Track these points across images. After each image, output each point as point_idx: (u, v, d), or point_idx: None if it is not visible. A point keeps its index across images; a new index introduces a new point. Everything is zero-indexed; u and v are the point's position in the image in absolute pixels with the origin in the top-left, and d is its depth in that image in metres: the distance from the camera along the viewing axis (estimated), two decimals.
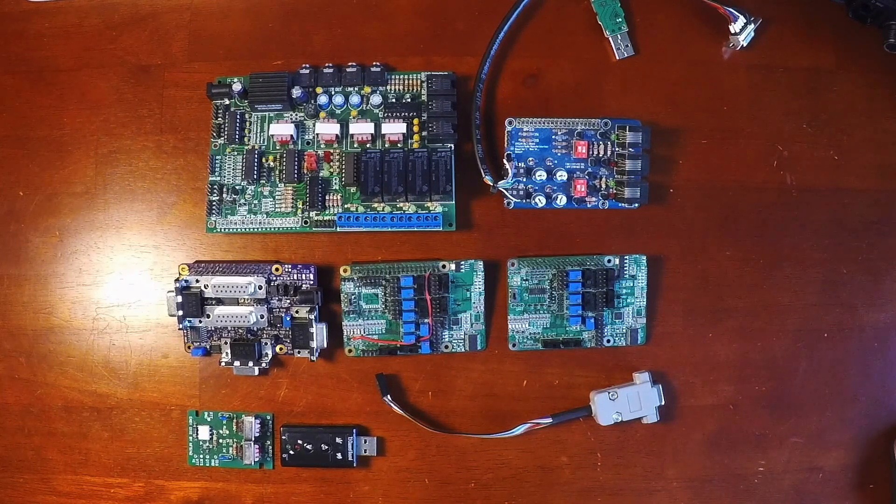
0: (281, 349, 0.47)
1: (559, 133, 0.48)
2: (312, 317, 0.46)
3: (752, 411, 0.49)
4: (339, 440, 0.48)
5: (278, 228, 0.48)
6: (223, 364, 0.47)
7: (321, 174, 0.48)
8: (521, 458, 0.49)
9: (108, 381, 0.49)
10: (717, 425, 0.49)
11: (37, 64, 0.51)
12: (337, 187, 0.48)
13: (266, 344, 0.48)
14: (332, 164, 0.48)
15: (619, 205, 0.49)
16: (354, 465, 0.48)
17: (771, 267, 0.50)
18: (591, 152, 0.48)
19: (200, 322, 0.47)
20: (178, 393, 0.49)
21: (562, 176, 0.48)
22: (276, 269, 0.47)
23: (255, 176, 0.48)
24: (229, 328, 0.47)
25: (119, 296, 0.49)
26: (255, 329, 0.47)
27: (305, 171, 0.48)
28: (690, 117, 0.50)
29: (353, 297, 0.48)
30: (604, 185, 0.49)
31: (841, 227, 0.50)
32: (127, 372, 0.49)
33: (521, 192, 0.48)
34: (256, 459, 0.48)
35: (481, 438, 0.48)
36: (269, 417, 0.49)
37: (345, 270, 0.47)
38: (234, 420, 0.48)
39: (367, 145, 0.48)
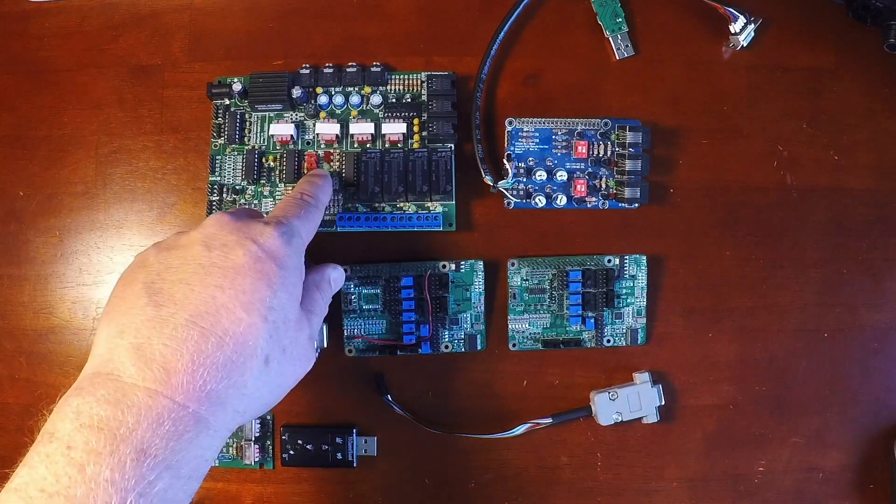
0: None
1: (559, 133, 0.48)
2: None
3: (752, 411, 0.49)
4: (339, 440, 0.48)
5: None
6: None
7: None
8: (521, 458, 0.49)
9: None
10: (717, 425, 0.49)
11: (37, 64, 0.51)
12: (337, 187, 0.48)
13: None
14: (332, 164, 0.48)
15: (619, 205, 0.49)
16: (354, 465, 0.48)
17: (771, 267, 0.50)
18: (591, 152, 0.48)
19: None
20: None
21: (562, 176, 0.48)
22: None
23: (255, 176, 0.48)
24: None
25: None
26: None
27: (305, 171, 0.48)
28: (690, 117, 0.50)
29: (353, 297, 0.48)
30: (604, 185, 0.49)
31: (841, 227, 0.50)
32: None
33: (521, 192, 0.48)
34: (256, 459, 0.48)
35: (481, 438, 0.48)
36: (269, 417, 0.49)
37: (345, 270, 0.48)
38: None
39: (367, 145, 0.48)
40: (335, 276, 0.43)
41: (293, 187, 0.48)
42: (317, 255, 0.49)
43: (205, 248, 0.35)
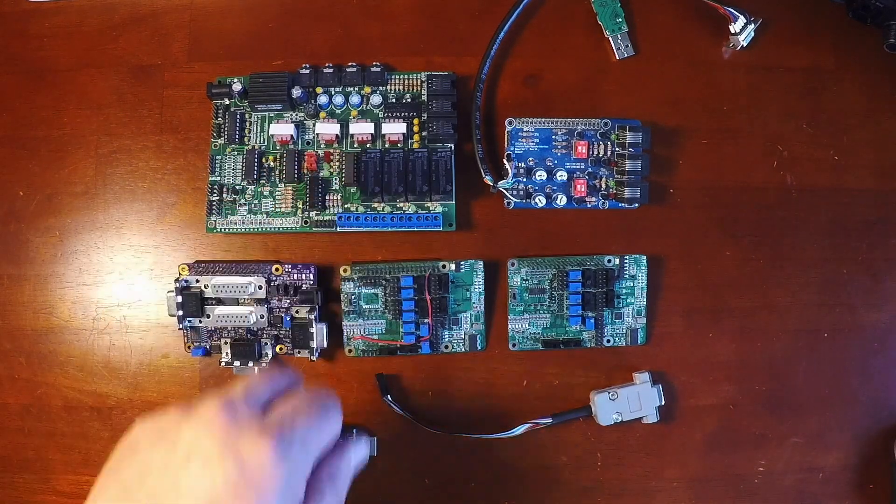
0: (281, 349, 0.47)
1: (559, 133, 0.48)
2: (312, 317, 0.46)
3: (752, 411, 0.49)
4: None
5: (278, 228, 0.48)
6: (223, 364, 0.47)
7: (321, 174, 0.48)
8: (521, 458, 0.49)
9: (108, 381, 0.49)
10: (717, 425, 0.49)
11: (37, 64, 0.51)
12: (337, 187, 0.48)
13: (266, 344, 0.48)
14: (332, 164, 0.48)
15: (619, 205, 0.49)
16: None
17: (771, 267, 0.50)
18: (591, 152, 0.48)
19: (200, 322, 0.47)
20: (178, 393, 0.49)
21: (562, 176, 0.48)
22: (276, 269, 0.47)
23: (255, 176, 0.48)
24: (229, 328, 0.47)
25: (119, 296, 0.49)
26: (255, 329, 0.47)
27: (305, 171, 0.48)
28: (690, 117, 0.50)
29: (353, 297, 0.48)
30: (604, 185, 0.49)
31: (841, 227, 0.50)
32: (127, 372, 0.49)
33: (521, 192, 0.48)
34: None
35: (481, 438, 0.48)
36: None
37: (345, 270, 0.48)
38: None
39: (367, 145, 0.48)
40: (360, 456, 0.36)
41: (293, 187, 0.48)
42: (317, 255, 0.49)
43: (185, 457, 0.30)
